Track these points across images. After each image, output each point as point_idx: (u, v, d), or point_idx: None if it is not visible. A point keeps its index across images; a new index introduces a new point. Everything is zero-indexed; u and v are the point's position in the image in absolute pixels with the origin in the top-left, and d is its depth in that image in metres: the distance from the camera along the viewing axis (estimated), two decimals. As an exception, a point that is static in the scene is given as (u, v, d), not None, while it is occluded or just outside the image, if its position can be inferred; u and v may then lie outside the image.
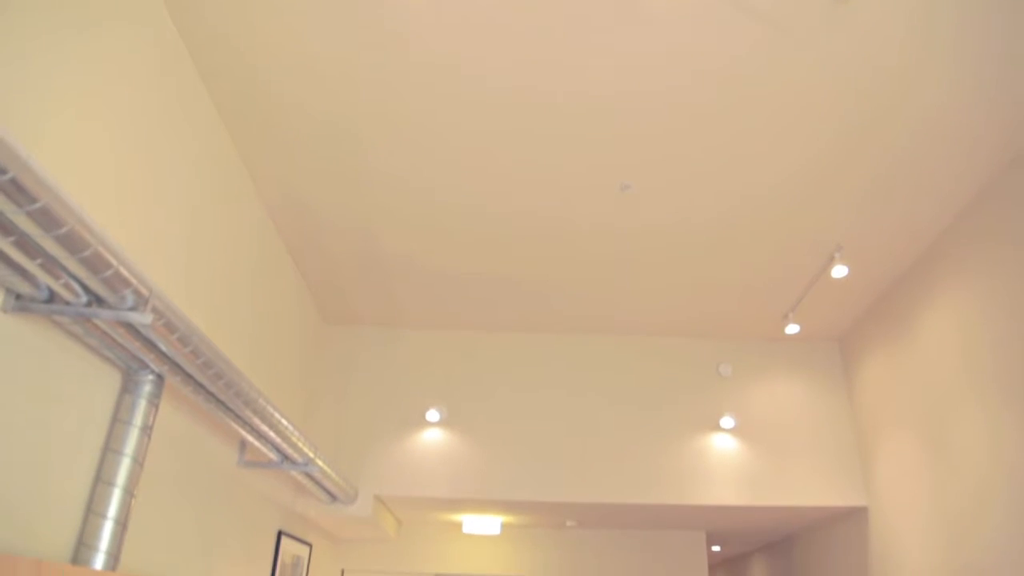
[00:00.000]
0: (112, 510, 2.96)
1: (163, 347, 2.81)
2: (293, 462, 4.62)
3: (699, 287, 5.86)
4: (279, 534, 5.64)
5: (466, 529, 7.38)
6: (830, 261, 5.31)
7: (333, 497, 5.78)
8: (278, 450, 4.47)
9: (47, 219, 1.91)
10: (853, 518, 6.48)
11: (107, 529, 2.93)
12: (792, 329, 6.13)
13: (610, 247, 5.30)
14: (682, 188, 4.63)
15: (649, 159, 4.38)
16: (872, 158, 4.33)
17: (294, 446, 4.35)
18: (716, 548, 9.55)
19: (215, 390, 3.27)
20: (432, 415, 6.23)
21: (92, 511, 2.94)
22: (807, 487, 6.19)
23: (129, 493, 3.03)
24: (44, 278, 2.22)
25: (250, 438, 4.09)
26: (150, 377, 3.17)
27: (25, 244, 2.04)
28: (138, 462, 3.09)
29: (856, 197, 4.69)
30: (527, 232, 5.15)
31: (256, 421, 3.76)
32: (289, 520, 5.91)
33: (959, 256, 4.94)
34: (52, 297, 2.42)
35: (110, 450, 3.05)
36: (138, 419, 3.11)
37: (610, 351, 6.67)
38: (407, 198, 4.77)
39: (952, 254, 5.01)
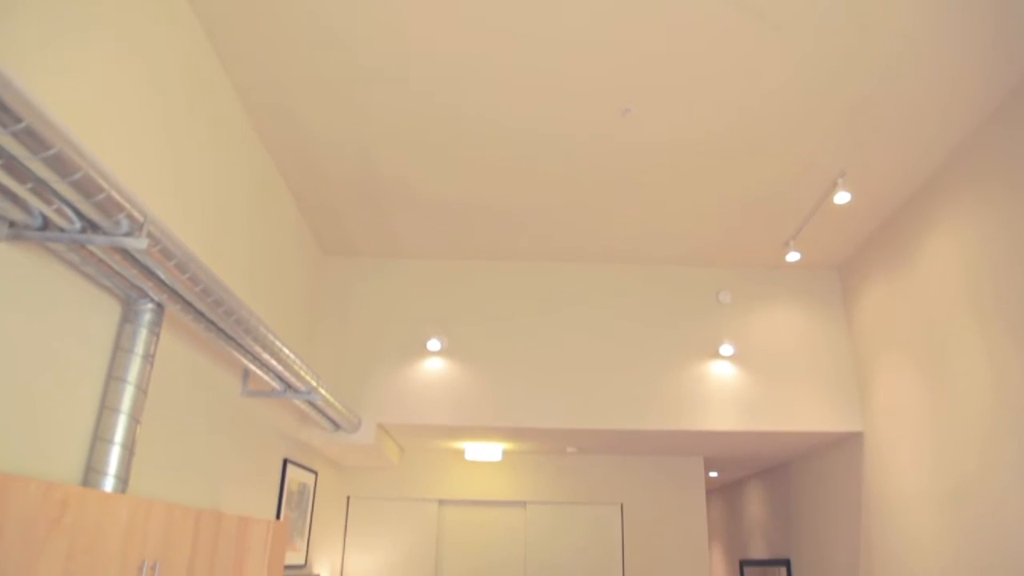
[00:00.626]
0: (119, 435, 3.00)
1: (161, 274, 2.80)
2: (296, 391, 4.67)
3: (701, 210, 5.79)
4: (285, 462, 5.75)
5: (468, 456, 7.53)
6: (833, 187, 5.25)
7: (337, 426, 5.86)
8: (281, 379, 4.51)
9: (33, 140, 1.87)
10: (848, 444, 6.59)
11: (115, 454, 2.97)
12: (793, 257, 6.11)
13: (610, 168, 5.22)
14: (682, 107, 4.54)
15: (648, 82, 4.29)
16: (872, 78, 4.23)
17: (296, 375, 4.38)
18: (713, 474, 9.74)
19: (215, 318, 3.27)
20: (433, 344, 6.28)
21: (99, 437, 2.98)
22: (804, 413, 6.28)
23: (135, 419, 3.07)
24: (36, 203, 2.19)
25: (253, 367, 4.12)
26: (150, 306, 3.17)
27: (13, 168, 2.01)
28: (142, 389, 3.12)
29: (859, 120, 4.61)
30: (526, 152, 5.04)
31: (258, 349, 3.78)
32: (294, 449, 6.01)
33: (962, 183, 4.88)
34: (46, 224, 2.40)
35: (113, 378, 3.07)
36: (140, 347, 3.13)
37: (611, 280, 6.67)
38: (404, 106, 4.57)
39: (955, 182, 4.96)
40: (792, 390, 6.31)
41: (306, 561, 6.51)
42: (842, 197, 5.15)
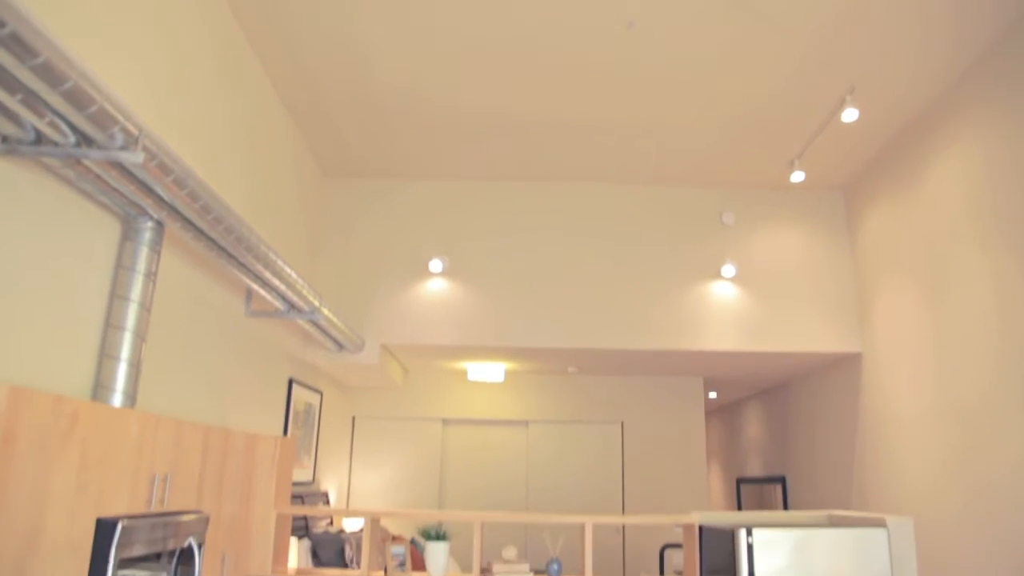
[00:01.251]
0: (125, 352, 3.02)
1: (159, 191, 2.76)
2: (299, 311, 4.69)
3: (707, 128, 5.67)
4: (290, 382, 5.83)
5: (471, 376, 7.63)
6: (841, 104, 5.14)
7: (340, 346, 5.92)
8: (284, 299, 4.53)
9: (19, 46, 1.81)
10: (847, 365, 6.66)
11: (121, 371, 3.01)
12: (797, 177, 6.04)
13: (615, 82, 5.08)
14: (687, 20, 4.41)
15: (656, -6, 4.15)
16: (892, -11, 4.09)
17: (299, 294, 4.40)
18: (713, 395, 9.89)
19: (216, 236, 3.26)
20: (435, 265, 6.28)
21: (106, 354, 3.01)
22: (804, 334, 6.32)
23: (140, 337, 3.09)
24: (27, 116, 2.15)
25: (255, 287, 4.12)
26: (149, 224, 3.15)
27: (2, 78, 1.96)
28: (145, 307, 3.13)
29: (870, 36, 4.47)
30: (532, 63, 4.91)
31: (259, 268, 3.77)
32: (299, 369, 6.09)
33: (970, 105, 4.78)
34: (39, 139, 2.36)
35: (117, 296, 3.08)
36: (141, 266, 3.12)
37: (614, 200, 6.61)
38: (405, 7, 4.36)
39: (964, 103, 4.85)
40: (793, 311, 6.34)
41: (313, 478, 6.68)
42: (850, 114, 5.05)
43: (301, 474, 6.23)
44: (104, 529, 2.43)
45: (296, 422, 6.02)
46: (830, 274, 6.46)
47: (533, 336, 6.22)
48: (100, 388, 2.97)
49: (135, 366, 3.06)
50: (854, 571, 3.41)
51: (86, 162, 2.51)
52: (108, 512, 2.48)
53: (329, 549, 5.18)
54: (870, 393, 6.23)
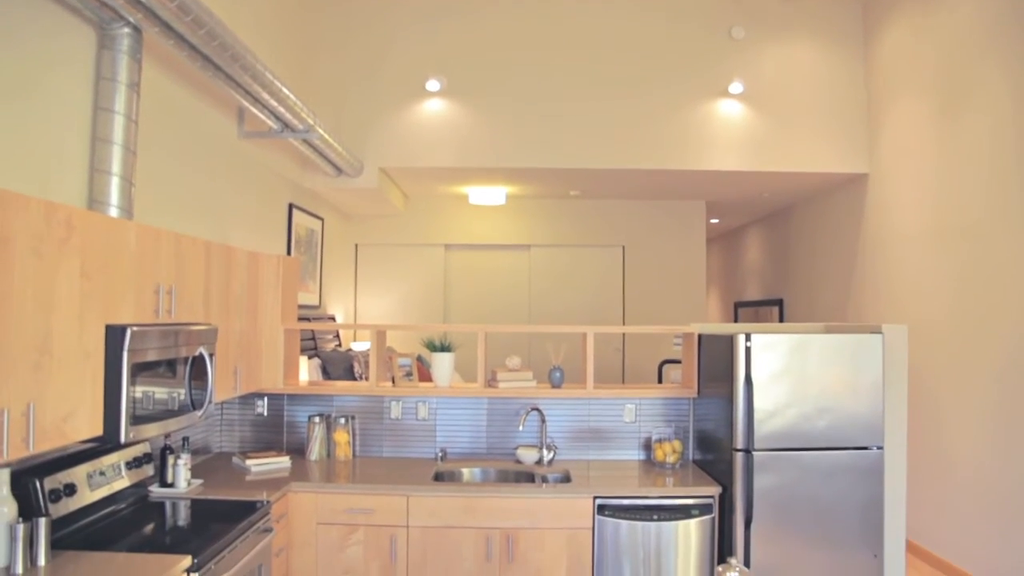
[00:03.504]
0: (115, 167, 2.95)
1: (132, -12, 2.58)
2: (294, 130, 4.56)
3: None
4: (290, 207, 5.79)
5: (472, 200, 7.57)
6: None
7: (339, 170, 5.82)
8: (277, 117, 4.38)
9: None
10: (852, 185, 6.57)
11: (114, 185, 2.95)
12: (815, -18, 5.67)
13: None
14: None
15: None
16: None
17: (292, 111, 4.25)
18: (714, 220, 9.88)
19: (197, 42, 3.08)
20: (432, 84, 6.04)
21: (96, 168, 2.94)
22: (811, 154, 6.18)
23: (129, 150, 3.01)
24: None
25: (246, 103, 3.97)
26: (126, 30, 2.97)
27: None
28: (131, 119, 3.02)
29: None
30: None
31: (248, 80, 3.62)
32: (299, 194, 6.02)
33: None
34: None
35: (100, 108, 2.96)
36: (122, 76, 2.98)
37: (620, 14, 6.24)
38: None
39: None
40: (800, 130, 6.16)
41: (320, 303, 6.80)
42: (877, -93, 4.66)
43: (307, 298, 6.34)
44: (114, 335, 2.47)
45: (298, 247, 6.04)
46: (841, 92, 6.23)
47: (534, 156, 6.09)
48: (94, 203, 2.93)
49: (127, 180, 3.00)
50: (848, 374, 3.52)
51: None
52: (116, 321, 2.50)
53: (338, 366, 5.35)
54: (874, 213, 6.19)
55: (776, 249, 8.97)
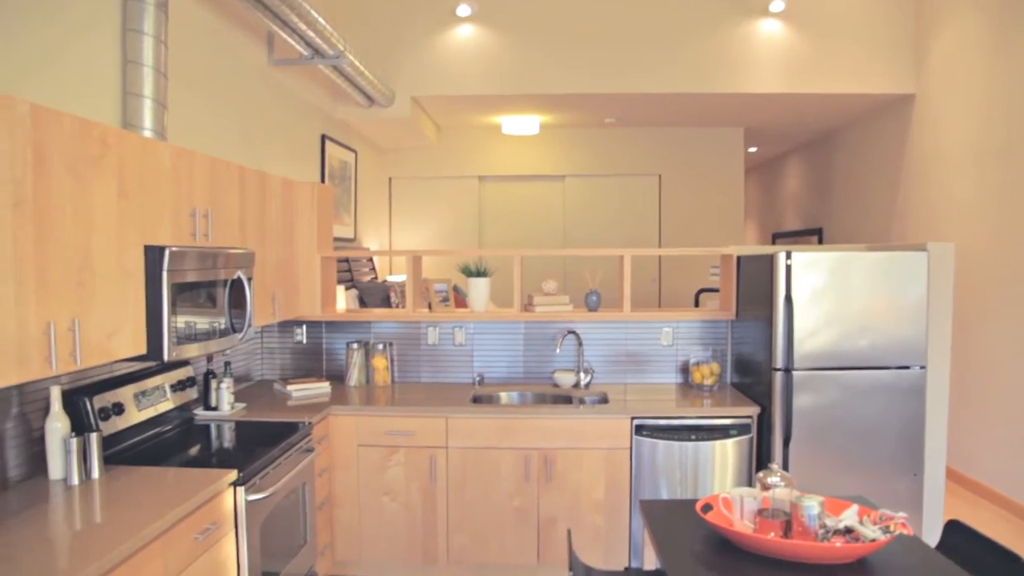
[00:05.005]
0: (147, 89, 2.94)
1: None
2: (324, 56, 4.50)
3: None
4: (323, 138, 5.76)
5: (505, 130, 7.46)
6: None
7: (370, 100, 5.76)
8: (307, 43, 4.32)
9: None
10: (898, 107, 6.32)
11: (147, 107, 2.95)
12: None
13: None
14: None
15: None
16: None
17: (322, 35, 4.18)
18: (753, 149, 9.63)
19: (224, -40, 3.02)
20: (463, 9, 5.89)
21: (128, 92, 2.94)
22: (855, 74, 5.94)
23: (160, 73, 2.99)
24: None
25: (275, 27, 3.92)
26: (151, -52, 2.92)
27: None
28: (160, 41, 2.99)
29: None
30: None
31: (276, 2, 3.55)
32: (331, 126, 5.99)
33: None
34: None
35: (129, 30, 2.93)
36: (149, -5, 2.94)
37: (653, -70, 5.99)
38: None
39: None
40: (844, 49, 5.91)
41: (355, 236, 6.83)
42: None
43: (342, 231, 6.36)
44: (152, 256, 2.50)
45: (332, 180, 6.03)
46: (888, 8, 5.94)
47: (568, 82, 5.95)
48: (128, 126, 2.94)
49: (160, 103, 2.99)
50: (892, 293, 3.44)
51: None
52: (154, 242, 2.53)
53: (375, 296, 5.39)
54: (920, 136, 5.97)
55: (816, 177, 8.74)
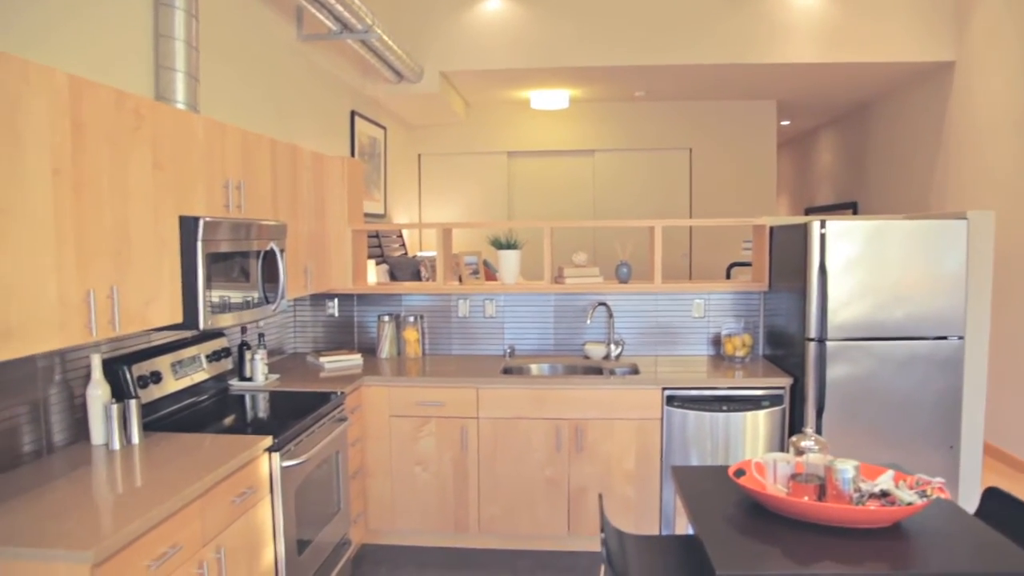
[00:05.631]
0: (179, 63, 2.97)
1: None
2: (352, 30, 4.50)
3: None
4: (352, 114, 5.78)
5: (534, 104, 7.42)
6: None
7: (399, 76, 5.75)
8: (336, 18, 4.33)
9: None
10: (936, 76, 6.16)
11: (179, 80, 2.98)
12: None
13: None
14: None
15: None
16: None
17: (351, 9, 4.18)
18: (785, 122, 9.47)
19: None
20: (490, -18, 5.85)
21: (161, 65, 2.96)
22: (892, 41, 5.79)
23: (191, 47, 3.01)
24: None
25: (303, 1, 3.92)
26: (181, -79, 2.93)
27: None
28: (192, 15, 3.01)
29: None
30: None
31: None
32: (361, 102, 6.00)
33: None
34: None
35: (161, 4, 2.96)
36: (179, -32, 2.96)
37: None
38: None
39: None
40: (881, 16, 5.76)
41: (385, 212, 6.86)
42: None
43: (372, 207, 6.39)
44: (187, 226, 2.53)
45: (362, 156, 6.05)
46: (929, -31, 5.77)
47: (598, 54, 5.89)
48: (161, 98, 2.97)
49: (193, 77, 3.02)
50: (929, 262, 3.38)
51: None
52: (188, 212, 2.56)
53: (406, 271, 5.42)
54: (959, 105, 5.82)
55: (850, 150, 8.57)
